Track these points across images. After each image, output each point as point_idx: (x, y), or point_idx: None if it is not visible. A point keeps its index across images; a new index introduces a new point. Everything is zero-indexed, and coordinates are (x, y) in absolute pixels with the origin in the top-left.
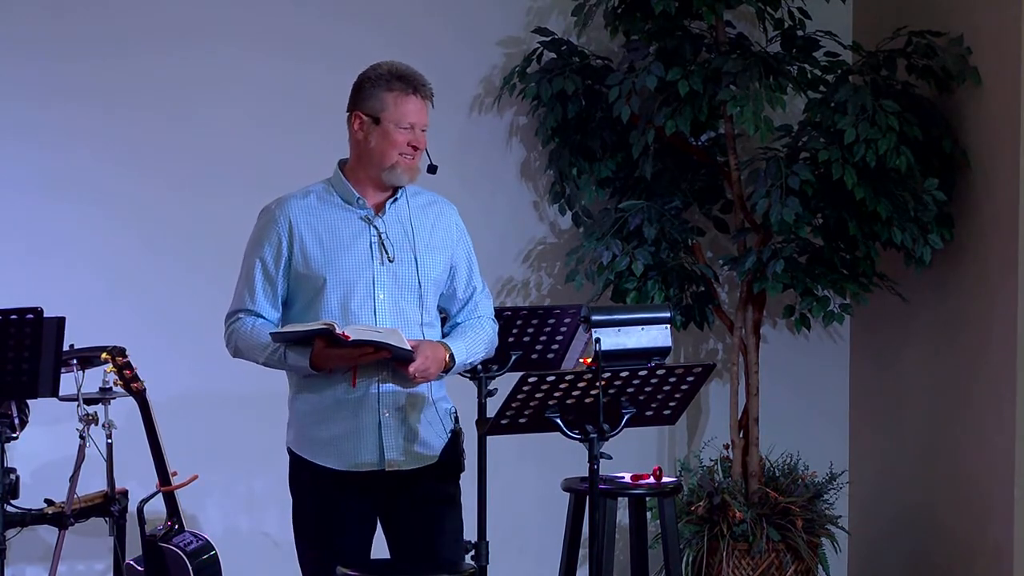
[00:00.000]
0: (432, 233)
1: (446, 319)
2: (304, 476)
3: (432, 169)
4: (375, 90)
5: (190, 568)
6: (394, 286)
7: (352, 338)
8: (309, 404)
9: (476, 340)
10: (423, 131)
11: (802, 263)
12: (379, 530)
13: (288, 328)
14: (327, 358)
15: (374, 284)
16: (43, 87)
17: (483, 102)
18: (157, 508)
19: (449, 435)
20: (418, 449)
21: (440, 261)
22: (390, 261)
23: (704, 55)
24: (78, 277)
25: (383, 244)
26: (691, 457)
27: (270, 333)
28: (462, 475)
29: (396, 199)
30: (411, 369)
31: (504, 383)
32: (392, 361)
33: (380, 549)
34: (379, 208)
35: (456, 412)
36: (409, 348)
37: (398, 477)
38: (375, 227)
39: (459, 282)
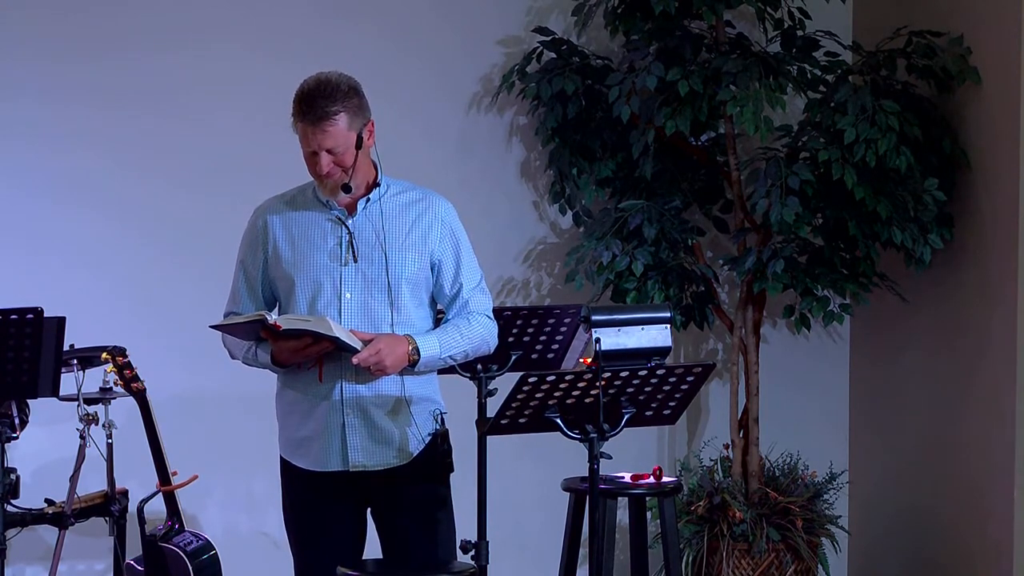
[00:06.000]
0: (409, 232)
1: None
2: (286, 475)
3: (346, 188)
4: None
5: (190, 568)
6: (363, 286)
7: (283, 327)
8: (287, 403)
9: (456, 335)
10: (329, 151)
11: (802, 263)
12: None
13: (227, 321)
14: (280, 351)
15: (341, 284)
16: (43, 87)
17: (482, 101)
18: (157, 508)
19: (428, 437)
20: (386, 450)
21: (414, 260)
22: (354, 261)
23: (704, 55)
24: (78, 277)
25: (352, 244)
26: (691, 457)
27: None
28: (460, 475)
29: (369, 199)
30: (354, 360)
31: (504, 383)
32: (343, 353)
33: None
34: (352, 208)
35: (442, 413)
36: (335, 335)
37: (374, 477)
38: (346, 227)
39: (445, 279)
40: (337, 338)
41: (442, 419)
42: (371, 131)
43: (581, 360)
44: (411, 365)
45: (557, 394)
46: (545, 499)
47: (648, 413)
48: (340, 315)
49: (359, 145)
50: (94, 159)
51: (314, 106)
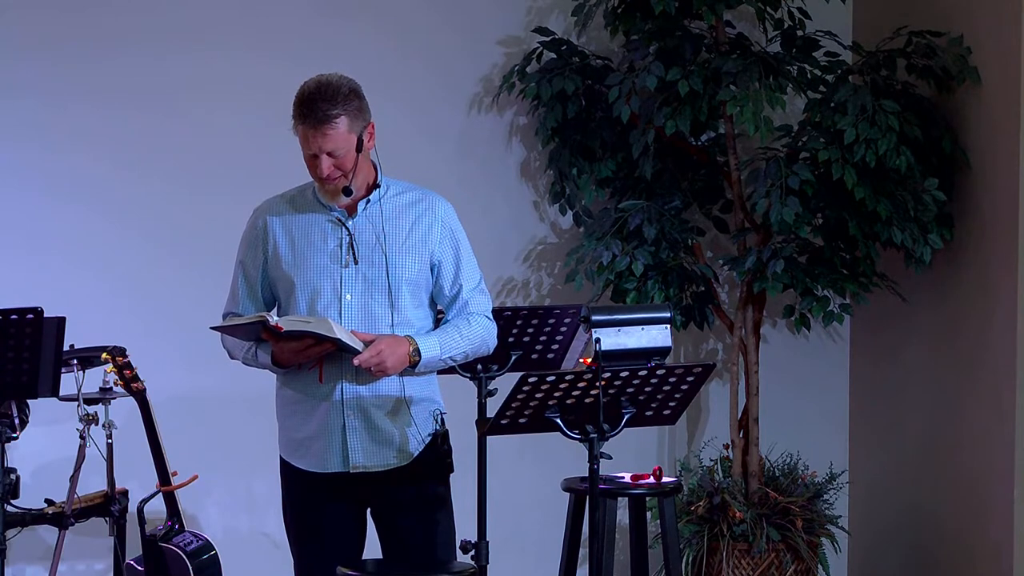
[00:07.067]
0: (409, 233)
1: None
2: (285, 475)
3: (347, 191)
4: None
5: (190, 568)
6: (363, 288)
7: (284, 329)
8: (287, 404)
9: (456, 336)
10: (329, 153)
11: (802, 263)
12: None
13: (227, 322)
14: (282, 352)
15: (341, 286)
16: (43, 88)
17: (483, 102)
18: (157, 508)
19: (428, 437)
20: (387, 451)
21: (415, 261)
22: (355, 263)
23: (704, 55)
24: (78, 277)
25: (352, 246)
26: (691, 457)
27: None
28: (460, 475)
29: (370, 200)
30: (355, 360)
31: (504, 383)
32: (343, 354)
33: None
34: (352, 209)
35: (442, 413)
36: (337, 336)
37: (374, 478)
38: (346, 228)
39: (445, 280)
40: (339, 339)
41: (442, 419)
42: (371, 133)
43: (581, 360)
44: (412, 366)
45: (557, 394)
46: (545, 499)
47: (648, 413)
48: (340, 316)
49: (359, 148)
50: (94, 159)
51: (315, 109)
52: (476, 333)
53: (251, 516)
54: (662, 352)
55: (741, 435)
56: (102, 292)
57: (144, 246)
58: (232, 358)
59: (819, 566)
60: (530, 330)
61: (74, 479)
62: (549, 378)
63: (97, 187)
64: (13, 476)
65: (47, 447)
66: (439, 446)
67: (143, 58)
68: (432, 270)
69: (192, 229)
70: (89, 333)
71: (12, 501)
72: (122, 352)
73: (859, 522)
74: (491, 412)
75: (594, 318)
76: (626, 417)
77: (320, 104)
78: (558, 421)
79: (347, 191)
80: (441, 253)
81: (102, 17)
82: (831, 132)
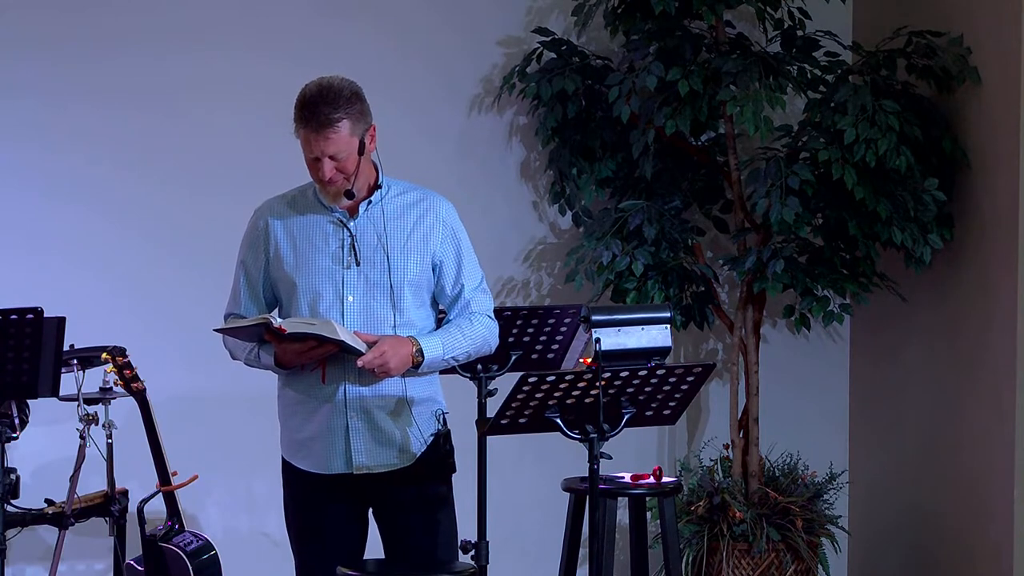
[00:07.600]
0: (411, 233)
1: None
2: (287, 476)
3: (349, 194)
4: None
5: (190, 568)
6: (365, 289)
7: (288, 331)
8: (289, 404)
9: (458, 335)
10: (331, 157)
11: (802, 263)
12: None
13: (230, 323)
14: (285, 353)
15: (343, 287)
16: (43, 88)
17: (483, 102)
18: (157, 508)
19: (431, 438)
20: (389, 452)
21: (416, 262)
22: (357, 264)
23: (704, 55)
24: (78, 277)
25: (354, 247)
26: (691, 457)
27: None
28: (460, 475)
29: (371, 201)
30: (359, 362)
31: (504, 383)
32: (346, 355)
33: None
34: (353, 211)
35: (444, 413)
36: (340, 338)
37: (376, 478)
38: (348, 230)
39: (446, 280)
40: (342, 341)
41: (444, 419)
42: (373, 136)
43: (581, 360)
44: (415, 366)
45: (557, 394)
46: (545, 499)
47: (648, 413)
48: (343, 318)
49: (361, 151)
50: (94, 159)
51: (317, 112)
52: (478, 332)
53: (251, 516)
54: (662, 352)
55: (741, 435)
56: (102, 292)
57: (144, 246)
58: (234, 359)
59: (819, 566)
60: (530, 330)
61: (74, 479)
62: (549, 378)
63: (97, 187)
64: (13, 476)
65: (47, 447)
66: (441, 446)
67: (143, 58)
68: (434, 270)
69: (192, 229)
70: (89, 333)
71: (12, 501)
72: (122, 352)
73: (859, 522)
74: (491, 412)
75: (594, 318)
76: (626, 417)
77: (322, 108)
78: (558, 421)
79: (349, 194)
80: (443, 253)
81: (102, 17)
82: (831, 132)
